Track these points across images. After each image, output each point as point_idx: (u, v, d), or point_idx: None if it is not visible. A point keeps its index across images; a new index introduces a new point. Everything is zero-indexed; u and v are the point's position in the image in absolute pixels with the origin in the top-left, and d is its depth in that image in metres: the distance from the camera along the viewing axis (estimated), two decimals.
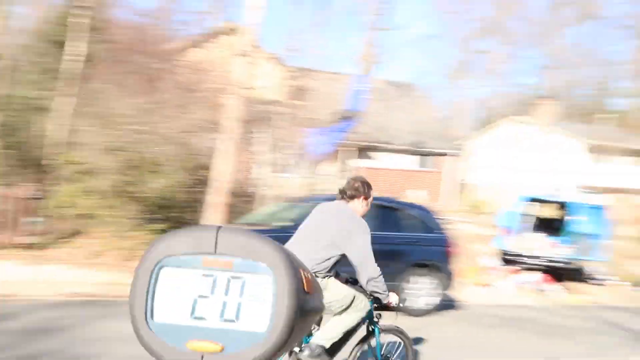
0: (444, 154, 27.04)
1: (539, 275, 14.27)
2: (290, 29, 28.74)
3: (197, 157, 13.40)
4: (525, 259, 14.74)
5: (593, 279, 15.08)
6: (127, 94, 12.64)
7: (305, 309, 0.50)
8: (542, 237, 15.95)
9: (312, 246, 4.11)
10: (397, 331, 4.85)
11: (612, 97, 53.52)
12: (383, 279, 4.24)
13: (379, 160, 25.55)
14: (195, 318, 0.50)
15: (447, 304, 10.80)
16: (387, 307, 4.57)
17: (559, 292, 13.86)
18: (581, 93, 54.79)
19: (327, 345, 4.22)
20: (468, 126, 44.13)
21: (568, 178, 26.48)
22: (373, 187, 4.58)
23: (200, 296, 0.50)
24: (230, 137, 12.45)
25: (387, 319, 4.86)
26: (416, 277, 9.65)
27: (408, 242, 9.64)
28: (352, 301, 4.32)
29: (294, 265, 0.50)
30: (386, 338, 4.86)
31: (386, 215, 9.41)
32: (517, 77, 59.05)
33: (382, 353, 4.68)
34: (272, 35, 46.42)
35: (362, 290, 4.37)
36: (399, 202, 10.41)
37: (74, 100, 13.30)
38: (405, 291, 9.47)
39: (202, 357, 0.48)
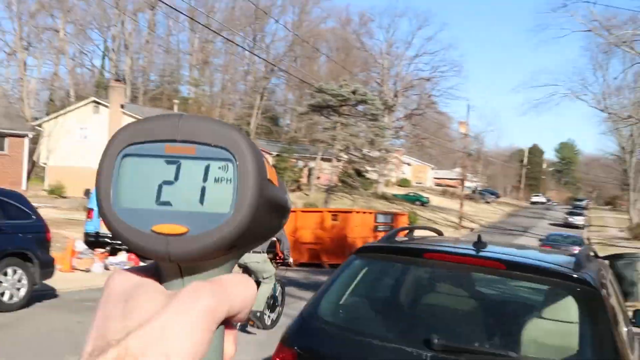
0: (24, 136, 24.94)
1: (124, 256, 14.58)
2: None
3: None
4: (110, 240, 14.68)
5: None
6: None
7: (267, 195, 0.51)
8: None
9: None
10: None
11: (183, 84, 57.46)
12: None
13: None
14: (161, 203, 0.50)
15: (45, 294, 10.25)
16: None
17: None
18: (153, 79, 57.20)
19: None
20: (40, 107, 41.50)
21: None
22: None
23: (165, 182, 0.50)
24: None
25: None
26: (13, 268, 8.84)
27: (3, 230, 8.74)
28: None
29: (257, 152, 0.51)
30: None
31: None
32: (88, 59, 58.08)
33: None
34: None
35: None
36: None
37: None
38: (3, 284, 8.62)
39: (167, 239, 0.48)
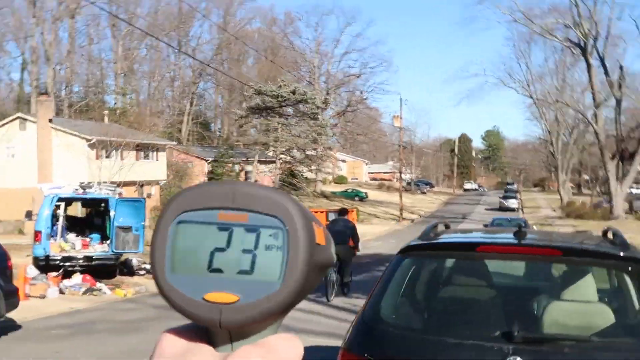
0: None
1: (79, 277, 13.95)
2: None
3: None
4: (62, 263, 14.23)
5: (140, 269, 15.52)
6: None
7: (316, 260, 0.51)
8: (74, 237, 15.56)
9: None
10: None
11: (109, 94, 55.54)
12: None
13: None
14: (212, 271, 0.50)
15: (5, 326, 9.53)
16: None
17: (105, 289, 13.77)
18: (77, 90, 55.04)
19: None
20: None
21: (72, 174, 26.28)
22: None
23: (217, 249, 0.50)
24: None
25: None
26: None
27: None
28: None
29: (307, 219, 0.51)
30: None
31: None
32: (5, 73, 55.41)
33: None
34: None
35: None
36: None
37: None
38: None
39: (220, 307, 0.49)
